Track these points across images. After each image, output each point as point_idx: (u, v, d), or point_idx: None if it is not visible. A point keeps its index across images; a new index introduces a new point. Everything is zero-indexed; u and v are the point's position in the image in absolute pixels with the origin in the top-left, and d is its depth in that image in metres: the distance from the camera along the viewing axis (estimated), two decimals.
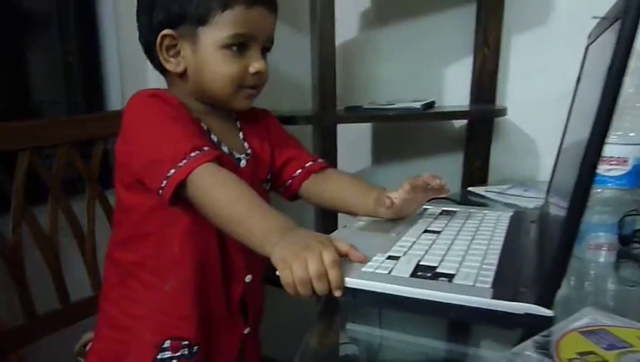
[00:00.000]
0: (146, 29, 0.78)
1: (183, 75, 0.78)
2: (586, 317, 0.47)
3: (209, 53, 0.75)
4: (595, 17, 0.61)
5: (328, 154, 1.09)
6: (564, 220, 0.45)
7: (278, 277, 0.56)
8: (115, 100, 1.33)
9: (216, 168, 0.67)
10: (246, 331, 0.84)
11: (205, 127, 0.79)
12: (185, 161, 0.66)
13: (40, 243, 0.95)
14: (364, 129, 1.44)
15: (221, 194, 0.66)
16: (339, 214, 1.10)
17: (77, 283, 1.01)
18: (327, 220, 1.11)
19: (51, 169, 0.98)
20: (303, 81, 1.33)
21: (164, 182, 0.66)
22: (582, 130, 0.51)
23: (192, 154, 0.66)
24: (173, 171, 0.66)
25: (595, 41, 0.65)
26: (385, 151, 1.47)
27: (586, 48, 0.73)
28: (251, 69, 0.76)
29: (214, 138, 0.79)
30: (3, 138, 0.91)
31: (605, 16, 0.57)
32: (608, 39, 0.48)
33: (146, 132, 0.72)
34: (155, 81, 1.38)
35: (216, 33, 0.74)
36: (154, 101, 0.74)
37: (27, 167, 0.92)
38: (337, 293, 0.53)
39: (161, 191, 0.67)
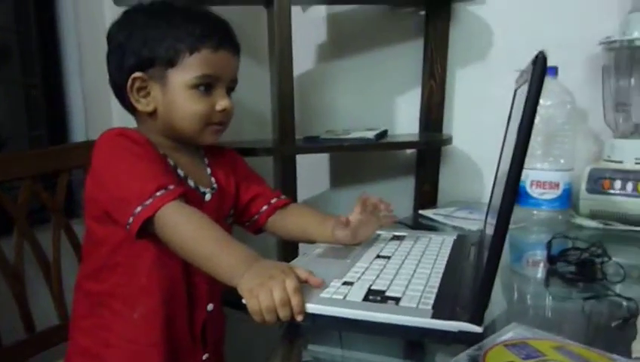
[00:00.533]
0: (116, 72, 0.82)
1: (152, 113, 0.82)
2: (511, 332, 0.55)
3: (178, 93, 0.80)
4: (517, 70, 0.70)
5: (288, 183, 1.15)
6: (489, 249, 0.53)
7: (243, 304, 0.61)
8: (79, 132, 1.36)
9: (181, 206, 0.71)
10: (205, 357, 0.88)
11: (172, 163, 0.83)
12: (150, 199, 0.70)
13: (6, 274, 0.97)
14: (322, 157, 1.51)
15: (188, 230, 0.70)
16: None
17: (42, 312, 1.02)
18: (288, 248, 1.17)
19: (16, 201, 1.00)
20: (263, 112, 1.38)
21: (131, 218, 0.70)
22: (508, 166, 0.59)
23: (158, 193, 0.70)
24: (139, 209, 0.70)
25: (519, 87, 0.74)
26: (341, 177, 1.54)
27: (515, 91, 0.83)
28: (218, 107, 0.82)
29: (181, 173, 0.83)
30: None
31: (525, 70, 0.66)
32: (524, 94, 0.57)
33: (114, 170, 0.76)
34: (119, 113, 1.42)
35: (184, 74, 0.79)
36: (122, 140, 0.78)
37: None
38: (299, 318, 0.59)
39: (128, 227, 0.71)
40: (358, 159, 1.51)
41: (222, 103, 0.82)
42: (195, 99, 0.80)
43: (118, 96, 0.85)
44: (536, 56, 0.49)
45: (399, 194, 1.48)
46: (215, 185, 0.88)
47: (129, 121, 0.89)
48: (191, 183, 0.84)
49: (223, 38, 0.82)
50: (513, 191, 0.51)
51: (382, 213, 0.85)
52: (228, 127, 0.87)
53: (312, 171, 1.49)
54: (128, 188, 0.73)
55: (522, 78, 0.67)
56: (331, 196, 1.52)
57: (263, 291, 0.59)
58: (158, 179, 0.72)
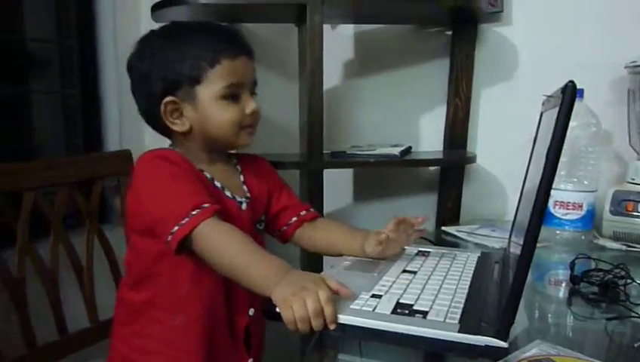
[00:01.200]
0: (146, 101, 0.86)
1: (188, 132, 0.85)
2: (535, 348, 0.57)
3: (209, 107, 0.83)
4: (545, 95, 0.72)
5: (315, 196, 1.19)
6: (515, 268, 0.56)
7: (278, 313, 0.64)
8: (113, 142, 1.41)
9: (217, 223, 0.75)
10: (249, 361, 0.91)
11: (209, 176, 0.87)
12: (187, 218, 0.73)
13: (42, 277, 1.01)
14: (346, 171, 1.54)
15: (223, 246, 0.74)
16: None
17: (74, 315, 1.06)
18: (312, 259, 1.19)
19: (53, 206, 1.04)
20: (290, 126, 1.42)
21: (169, 237, 0.74)
22: (535, 187, 0.61)
23: (193, 212, 0.74)
24: (176, 228, 0.73)
25: (546, 111, 0.77)
26: (365, 191, 1.56)
27: (541, 114, 0.85)
28: (247, 110, 0.85)
29: (218, 185, 0.87)
30: (10, 178, 0.98)
31: (552, 95, 0.68)
32: (552, 119, 0.59)
33: (152, 191, 0.80)
34: None
35: (211, 88, 0.82)
36: (160, 162, 0.81)
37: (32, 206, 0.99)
38: (332, 327, 0.62)
39: (167, 244, 0.75)
40: (382, 174, 1.53)
41: (250, 106, 0.85)
42: (225, 108, 0.84)
43: (151, 122, 0.89)
44: (566, 85, 0.51)
45: (421, 209, 1.50)
46: (248, 194, 0.92)
47: (162, 136, 0.93)
48: (228, 194, 0.88)
49: (238, 45, 0.86)
50: (541, 213, 0.53)
51: (415, 227, 0.87)
52: (256, 127, 0.90)
53: (336, 185, 1.51)
54: (166, 209, 0.76)
55: (550, 103, 0.70)
56: (354, 210, 1.55)
57: (297, 301, 0.62)
58: (193, 199, 0.76)
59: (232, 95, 0.84)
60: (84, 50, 1.37)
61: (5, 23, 1.20)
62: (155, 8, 1.20)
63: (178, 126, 0.85)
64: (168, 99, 0.83)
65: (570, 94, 0.50)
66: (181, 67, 0.82)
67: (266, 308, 0.93)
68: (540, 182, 0.53)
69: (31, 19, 1.25)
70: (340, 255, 0.91)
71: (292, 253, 1.37)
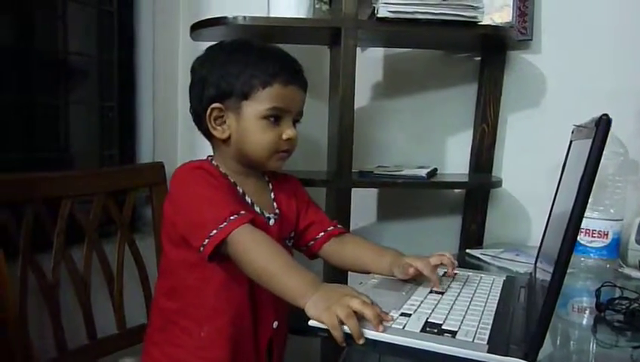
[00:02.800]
0: (197, 102, 0.91)
1: (226, 140, 0.90)
2: None
3: (251, 123, 0.88)
4: (575, 125, 0.74)
5: (342, 214, 1.21)
6: (546, 294, 0.57)
7: (306, 327, 0.66)
8: (146, 154, 1.46)
9: (252, 229, 0.78)
10: None
11: (241, 190, 0.91)
12: (225, 223, 0.77)
13: (75, 282, 1.05)
14: (371, 190, 1.56)
15: (258, 252, 0.77)
16: None
17: (103, 321, 1.09)
18: (337, 276, 1.21)
19: (88, 215, 1.08)
20: (317, 144, 1.46)
21: (206, 240, 0.77)
22: (564, 214, 0.63)
23: (232, 217, 0.78)
24: (215, 231, 0.77)
25: (576, 140, 0.79)
26: (389, 211, 1.58)
27: (570, 142, 0.87)
28: (284, 136, 0.89)
29: (248, 200, 0.91)
30: (50, 186, 1.02)
31: (584, 126, 0.70)
32: (583, 150, 0.61)
33: (191, 198, 0.84)
34: (184, 139, 1.52)
35: (257, 106, 0.87)
36: (199, 172, 0.87)
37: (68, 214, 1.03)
38: (380, 329, 0.64)
39: (202, 249, 0.78)
40: (406, 195, 1.55)
41: (288, 133, 0.89)
42: (265, 128, 0.88)
43: (197, 122, 0.94)
44: (600, 118, 0.54)
45: (445, 231, 1.52)
46: (277, 210, 0.95)
47: (193, 147, 0.97)
48: (257, 209, 0.91)
49: (293, 75, 0.90)
50: (572, 241, 0.55)
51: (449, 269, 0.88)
52: (291, 154, 0.95)
53: (360, 204, 1.53)
54: (205, 214, 0.80)
55: (581, 133, 0.72)
56: (378, 228, 1.57)
57: (340, 307, 0.65)
58: (231, 206, 0.80)
59: (274, 118, 0.88)
60: (122, 64, 1.42)
61: (49, 36, 1.25)
62: (194, 28, 1.25)
63: (218, 132, 0.89)
64: (215, 105, 0.88)
65: (604, 128, 0.52)
66: (235, 81, 0.87)
67: (293, 322, 0.96)
68: (572, 212, 0.55)
69: (73, 34, 1.30)
70: (367, 272, 0.93)
71: (316, 271, 1.39)
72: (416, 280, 0.86)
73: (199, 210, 0.82)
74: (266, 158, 0.90)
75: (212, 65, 0.90)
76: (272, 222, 0.93)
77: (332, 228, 1.00)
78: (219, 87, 0.88)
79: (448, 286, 0.85)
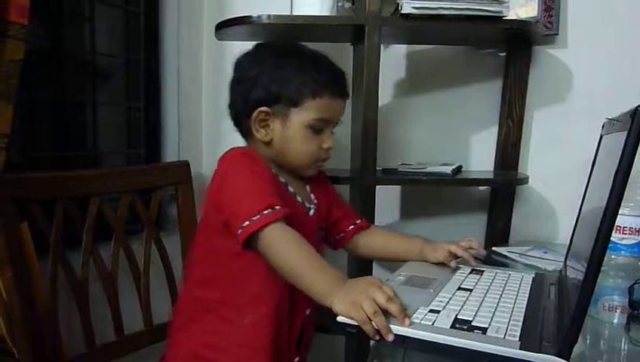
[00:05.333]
0: (241, 101, 0.92)
1: (267, 143, 0.91)
2: None
3: (295, 131, 0.89)
4: (607, 118, 0.73)
5: (367, 211, 1.20)
6: (580, 285, 0.56)
7: (334, 324, 0.66)
8: (172, 153, 1.47)
9: (284, 227, 0.79)
10: (296, 360, 0.94)
11: (283, 180, 0.92)
12: (258, 215, 0.78)
13: (103, 279, 1.06)
14: (394, 188, 1.55)
15: (288, 249, 0.77)
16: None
17: (129, 317, 1.11)
18: (362, 270, 1.21)
19: (116, 212, 1.09)
20: (342, 140, 1.45)
21: (240, 230, 0.78)
22: (595, 211, 0.62)
23: (265, 211, 0.78)
24: (247, 223, 0.78)
25: (607, 134, 0.77)
26: (413, 209, 1.57)
27: (600, 137, 0.85)
28: (324, 145, 0.92)
29: (291, 189, 0.93)
30: (79, 184, 1.04)
31: (617, 119, 0.69)
32: (616, 143, 0.60)
33: (235, 183, 0.85)
34: (209, 138, 1.52)
35: (304, 115, 0.89)
36: (245, 158, 0.87)
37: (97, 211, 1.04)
38: (390, 338, 0.63)
39: (237, 237, 0.79)
40: (430, 192, 1.54)
41: (328, 142, 0.92)
42: (308, 137, 0.90)
43: (236, 121, 0.95)
44: (636, 109, 0.52)
45: (470, 229, 1.50)
46: (316, 201, 0.97)
47: (218, 146, 0.98)
48: (299, 199, 0.94)
49: (341, 87, 0.93)
50: (607, 235, 0.54)
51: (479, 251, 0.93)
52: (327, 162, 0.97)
53: (384, 201, 1.52)
54: (242, 202, 0.81)
55: (613, 127, 0.70)
56: (402, 226, 1.56)
57: (365, 300, 0.65)
58: (268, 199, 0.80)
59: (318, 127, 0.90)
60: (148, 65, 1.43)
61: (77, 38, 1.27)
62: (219, 27, 1.25)
63: (261, 135, 0.91)
64: (263, 109, 0.89)
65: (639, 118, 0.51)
66: (287, 87, 0.88)
67: (320, 321, 0.96)
68: (607, 204, 0.54)
69: (101, 35, 1.32)
70: (398, 260, 0.96)
71: (340, 264, 1.39)
72: (443, 278, 0.86)
73: (237, 197, 0.83)
74: (305, 167, 0.93)
75: (261, 66, 0.90)
76: (312, 212, 0.95)
77: (360, 221, 1.04)
78: (269, 91, 0.89)
79: (476, 284, 0.84)
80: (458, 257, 0.93)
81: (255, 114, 0.89)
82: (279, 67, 0.89)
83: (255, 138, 0.92)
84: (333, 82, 0.90)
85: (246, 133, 0.94)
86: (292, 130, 0.89)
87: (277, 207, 0.79)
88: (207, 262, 0.91)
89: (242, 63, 0.93)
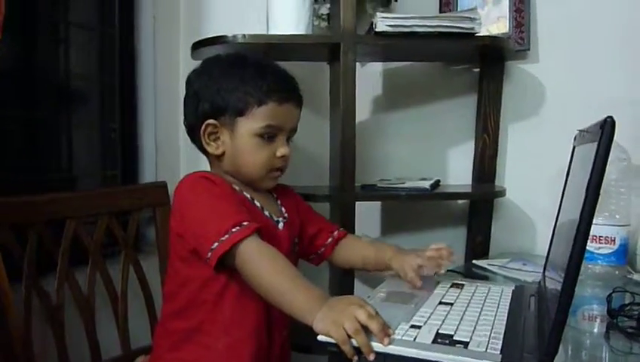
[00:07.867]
0: (192, 116, 0.91)
1: (220, 156, 0.90)
2: None
3: (244, 140, 0.88)
4: (578, 129, 0.74)
5: (347, 228, 1.17)
6: (558, 299, 0.57)
7: (312, 343, 0.66)
8: (149, 174, 1.46)
9: (258, 241, 0.77)
10: None
11: (249, 196, 0.90)
12: (227, 235, 0.76)
13: (79, 303, 1.03)
14: (374, 204, 1.55)
15: (264, 264, 0.76)
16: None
17: (106, 342, 1.07)
18: (343, 286, 1.21)
19: (92, 235, 1.07)
20: (319, 159, 1.45)
21: (209, 253, 0.77)
22: (571, 221, 0.63)
23: (234, 229, 0.77)
24: (216, 245, 0.76)
25: (579, 145, 0.79)
26: (393, 224, 1.58)
27: (573, 148, 0.87)
28: (278, 153, 0.89)
29: (258, 204, 0.91)
30: (53, 207, 1.02)
31: (587, 130, 0.70)
32: (588, 154, 0.61)
33: (195, 208, 0.83)
34: (187, 158, 1.51)
35: (251, 123, 0.87)
36: (203, 181, 0.85)
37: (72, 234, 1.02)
38: (386, 342, 0.63)
39: (207, 261, 0.77)
40: (410, 207, 1.55)
41: (282, 150, 0.90)
42: (258, 146, 0.88)
43: (191, 136, 0.94)
44: (605, 120, 0.53)
45: (450, 243, 1.48)
46: (286, 215, 0.95)
47: (196, 167, 0.96)
48: (266, 213, 0.91)
49: (288, 92, 0.90)
50: (583, 243, 0.55)
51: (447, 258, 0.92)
52: (284, 172, 0.95)
53: (364, 218, 1.52)
54: (208, 225, 0.79)
55: (584, 138, 0.72)
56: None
57: (347, 318, 0.64)
58: (234, 217, 0.79)
59: (268, 135, 0.88)
60: (124, 85, 1.42)
61: (52, 59, 1.25)
62: (194, 47, 1.25)
63: (212, 148, 0.90)
64: (210, 121, 0.88)
65: (609, 129, 0.52)
66: (230, 97, 0.87)
67: (301, 339, 0.95)
68: (581, 213, 0.55)
69: (75, 56, 1.30)
70: (370, 270, 1.00)
71: (321, 278, 1.38)
72: (425, 292, 0.87)
73: (202, 221, 0.81)
74: (260, 179, 0.91)
75: (208, 79, 0.89)
76: (281, 225, 0.93)
77: (337, 231, 1.03)
78: (213, 103, 0.88)
79: (457, 298, 0.84)
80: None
81: (203, 127, 0.88)
82: (223, 78, 0.88)
83: (210, 153, 0.91)
84: (280, 88, 0.88)
85: (201, 148, 0.92)
86: (241, 141, 0.88)
87: (245, 223, 0.78)
88: (179, 293, 0.89)
89: (191, 78, 0.92)
